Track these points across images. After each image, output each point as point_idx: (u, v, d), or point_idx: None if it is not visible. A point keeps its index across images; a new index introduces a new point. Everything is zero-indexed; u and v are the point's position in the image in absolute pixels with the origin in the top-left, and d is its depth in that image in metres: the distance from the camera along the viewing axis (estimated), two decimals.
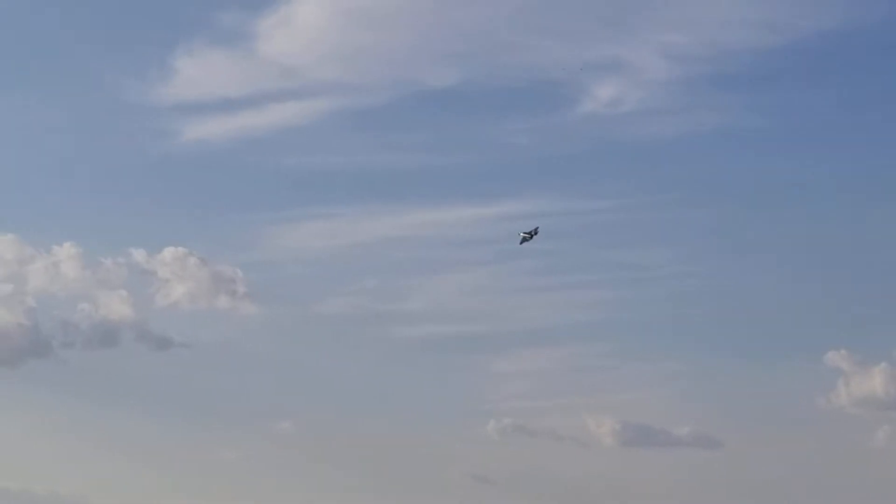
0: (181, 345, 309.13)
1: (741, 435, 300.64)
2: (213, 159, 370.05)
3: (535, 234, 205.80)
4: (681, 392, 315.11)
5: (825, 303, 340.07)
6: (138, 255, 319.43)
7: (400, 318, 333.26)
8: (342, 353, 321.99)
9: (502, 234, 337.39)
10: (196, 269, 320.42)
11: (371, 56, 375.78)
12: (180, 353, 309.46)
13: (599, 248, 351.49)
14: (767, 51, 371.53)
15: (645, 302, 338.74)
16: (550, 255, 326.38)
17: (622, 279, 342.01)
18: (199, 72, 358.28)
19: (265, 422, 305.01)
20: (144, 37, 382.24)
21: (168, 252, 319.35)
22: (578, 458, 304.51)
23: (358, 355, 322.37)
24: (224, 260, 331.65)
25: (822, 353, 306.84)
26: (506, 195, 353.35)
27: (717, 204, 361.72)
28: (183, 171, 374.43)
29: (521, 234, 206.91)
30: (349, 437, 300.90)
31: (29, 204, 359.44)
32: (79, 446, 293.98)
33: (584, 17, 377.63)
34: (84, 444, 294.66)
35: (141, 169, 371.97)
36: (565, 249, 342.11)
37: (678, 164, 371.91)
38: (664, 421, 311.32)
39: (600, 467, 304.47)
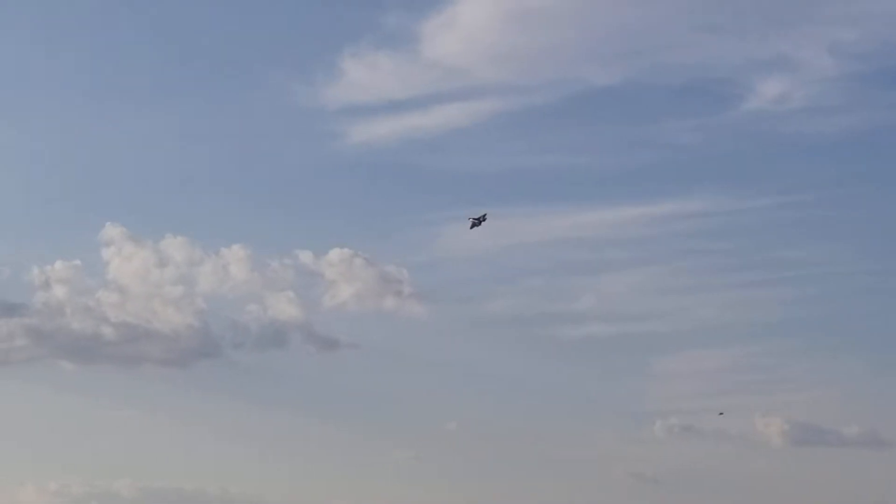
0: (348, 345, 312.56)
1: None
2: (379, 161, 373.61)
3: (484, 219, 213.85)
4: (850, 391, 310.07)
5: None
6: (305, 256, 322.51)
7: (566, 317, 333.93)
8: (507, 353, 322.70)
9: (669, 233, 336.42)
10: (362, 269, 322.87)
11: (535, 56, 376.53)
12: (348, 354, 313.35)
13: (766, 247, 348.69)
14: None
15: (813, 300, 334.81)
16: (717, 254, 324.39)
17: (790, 278, 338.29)
18: (364, 74, 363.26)
19: (432, 422, 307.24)
20: (311, 40, 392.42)
21: (334, 253, 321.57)
22: (745, 458, 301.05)
23: (523, 355, 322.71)
24: (390, 260, 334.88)
25: None
26: (673, 194, 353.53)
27: (885, 201, 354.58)
28: (349, 172, 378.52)
29: (470, 220, 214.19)
30: (514, 437, 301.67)
31: (198, 207, 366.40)
32: (250, 447, 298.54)
33: (749, 15, 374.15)
34: (255, 444, 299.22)
35: (307, 171, 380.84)
36: (731, 248, 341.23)
37: (845, 162, 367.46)
38: (833, 420, 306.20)
39: (767, 467, 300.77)
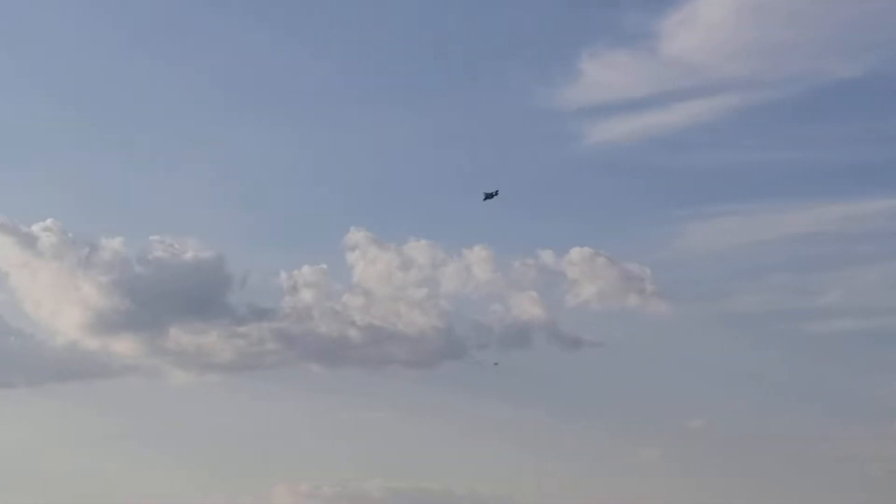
0: (592, 344, 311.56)
1: None
2: (619, 159, 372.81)
3: (496, 194, 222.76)
4: None
5: None
6: (546, 256, 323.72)
7: (812, 313, 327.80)
8: (752, 349, 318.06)
9: None
10: (604, 268, 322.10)
11: (774, 50, 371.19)
12: (592, 353, 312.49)
13: None
14: None
15: None
16: None
17: None
18: (603, 74, 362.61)
19: (678, 420, 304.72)
20: (550, 42, 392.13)
21: (575, 252, 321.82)
22: None
23: (769, 352, 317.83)
24: (632, 258, 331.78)
25: None
26: None
27: None
28: (589, 172, 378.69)
29: (484, 194, 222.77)
30: (762, 435, 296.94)
31: (441, 209, 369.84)
32: (496, 446, 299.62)
33: None
34: (501, 443, 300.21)
35: (548, 171, 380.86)
36: None
37: None
38: None
39: None
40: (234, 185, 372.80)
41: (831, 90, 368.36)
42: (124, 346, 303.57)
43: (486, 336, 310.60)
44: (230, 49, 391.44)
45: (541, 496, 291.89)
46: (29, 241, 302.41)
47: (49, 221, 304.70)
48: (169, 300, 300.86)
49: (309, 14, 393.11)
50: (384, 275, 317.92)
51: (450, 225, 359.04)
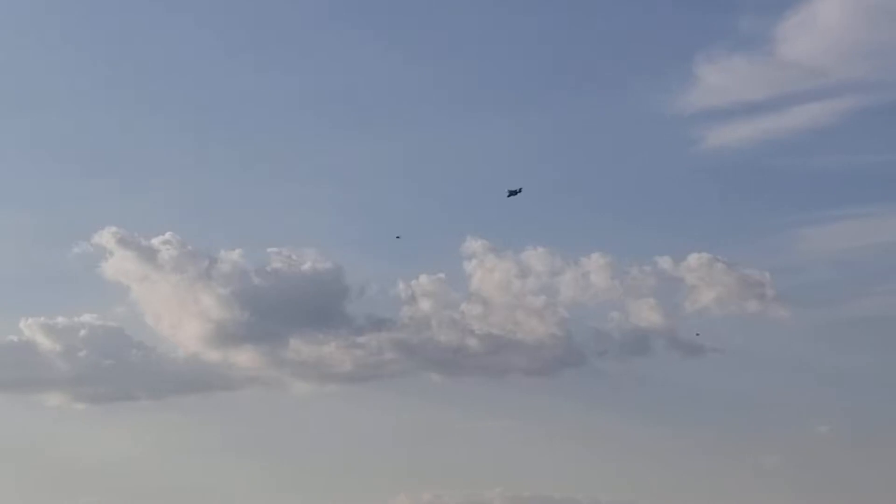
0: (713, 350, 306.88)
1: None
2: (737, 164, 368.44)
3: (519, 191, 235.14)
4: None
5: None
6: (664, 262, 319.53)
7: None
8: (875, 355, 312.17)
9: None
10: (723, 274, 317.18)
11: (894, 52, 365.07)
12: (712, 359, 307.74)
13: None
14: None
15: None
16: None
17: None
18: (720, 78, 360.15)
19: (802, 426, 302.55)
20: (666, 47, 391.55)
21: (693, 258, 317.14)
22: None
23: (892, 356, 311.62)
24: (751, 264, 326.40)
25: None
26: None
27: None
28: (706, 177, 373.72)
29: (508, 191, 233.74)
30: (891, 442, 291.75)
31: (558, 216, 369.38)
32: (618, 455, 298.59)
33: None
34: (623, 452, 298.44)
35: (665, 177, 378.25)
36: None
37: None
38: None
39: None
40: (351, 196, 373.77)
41: None
42: (244, 357, 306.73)
43: (605, 343, 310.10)
44: (345, 58, 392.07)
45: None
46: (149, 255, 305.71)
47: (168, 235, 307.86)
48: (288, 311, 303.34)
49: (423, 21, 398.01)
50: (502, 283, 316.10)
51: (567, 232, 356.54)
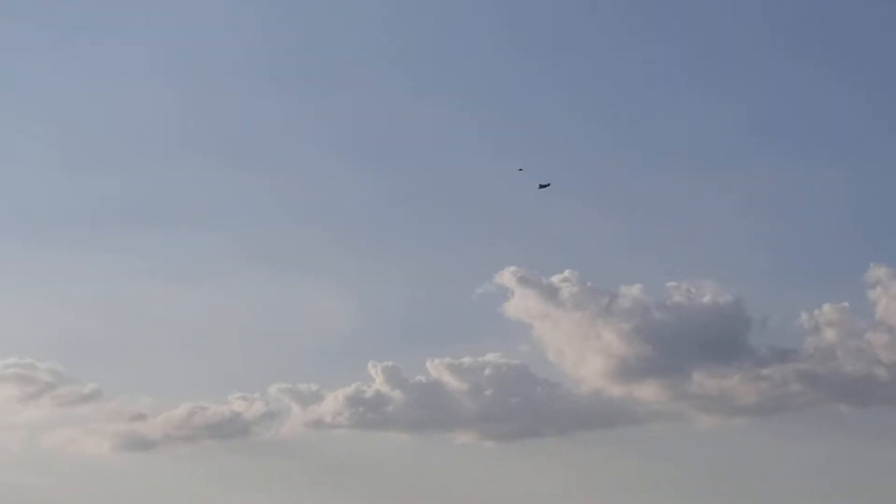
0: None
1: None
2: None
3: (548, 185, 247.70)
4: None
5: None
6: None
7: None
8: None
9: None
10: None
11: None
12: None
13: None
14: None
15: None
16: None
17: None
18: None
19: None
20: None
21: None
22: None
23: None
24: None
25: None
26: None
27: None
28: None
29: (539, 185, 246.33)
30: None
31: None
32: None
33: None
34: None
35: None
36: None
37: None
38: None
39: None
40: (749, 227, 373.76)
41: None
42: (648, 392, 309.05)
43: None
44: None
45: None
46: (550, 293, 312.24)
47: (567, 272, 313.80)
48: (690, 345, 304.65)
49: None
50: None
51: None
